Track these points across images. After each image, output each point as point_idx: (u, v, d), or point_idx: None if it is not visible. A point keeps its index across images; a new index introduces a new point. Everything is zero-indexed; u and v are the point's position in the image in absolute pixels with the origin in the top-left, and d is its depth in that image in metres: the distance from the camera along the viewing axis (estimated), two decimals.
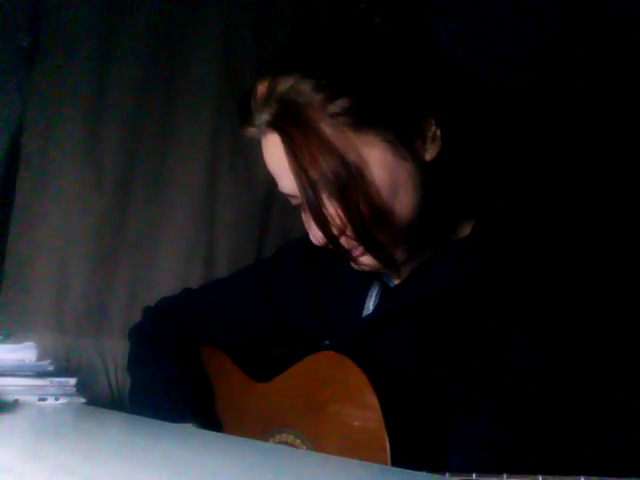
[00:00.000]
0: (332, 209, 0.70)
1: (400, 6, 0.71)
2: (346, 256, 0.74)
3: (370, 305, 0.80)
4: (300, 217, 0.77)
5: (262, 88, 0.71)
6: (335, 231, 0.70)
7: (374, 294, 0.80)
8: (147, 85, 1.24)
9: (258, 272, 0.96)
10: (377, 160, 0.69)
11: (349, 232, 0.70)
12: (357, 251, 0.73)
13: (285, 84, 0.69)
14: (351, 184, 0.68)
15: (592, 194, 1.22)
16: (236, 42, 1.33)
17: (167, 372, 0.92)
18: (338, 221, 0.70)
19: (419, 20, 0.72)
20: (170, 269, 1.25)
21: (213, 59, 1.30)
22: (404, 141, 0.69)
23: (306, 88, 0.68)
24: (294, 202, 0.75)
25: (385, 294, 0.80)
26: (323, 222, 0.70)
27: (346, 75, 0.68)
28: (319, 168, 0.67)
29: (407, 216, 0.71)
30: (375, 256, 0.71)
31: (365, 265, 0.74)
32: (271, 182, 0.76)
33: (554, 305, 0.68)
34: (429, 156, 0.71)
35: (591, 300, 0.67)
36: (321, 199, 0.69)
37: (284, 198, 0.76)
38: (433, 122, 0.70)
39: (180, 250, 1.27)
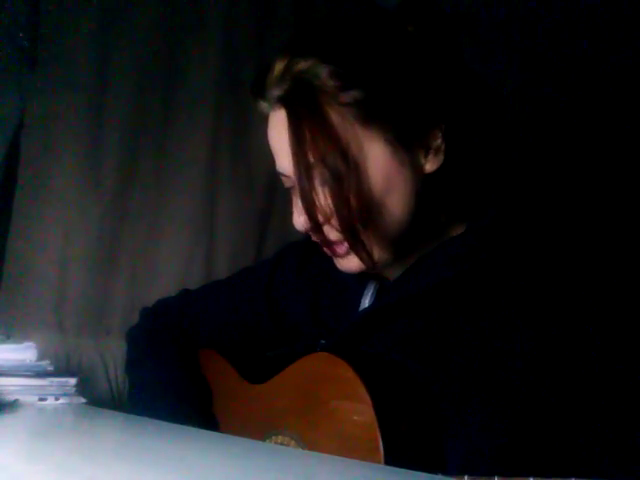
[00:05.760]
0: (322, 196, 0.70)
1: (437, 23, 0.72)
2: (329, 250, 0.74)
3: (366, 303, 0.80)
4: None
5: (280, 65, 0.72)
6: (320, 218, 0.71)
7: (370, 293, 0.80)
8: (147, 85, 1.24)
9: (257, 274, 0.96)
10: (376, 159, 0.69)
11: (334, 222, 0.70)
12: (340, 249, 0.73)
13: (303, 65, 0.70)
14: (346, 176, 0.68)
15: (588, 198, 1.22)
16: (236, 42, 1.32)
17: (165, 373, 0.92)
18: (325, 209, 0.70)
19: (452, 38, 0.73)
20: (170, 269, 1.25)
21: (213, 60, 1.30)
22: (406, 147, 0.70)
23: (322, 72, 0.69)
24: (287, 184, 0.76)
25: (381, 292, 0.80)
26: (310, 206, 0.70)
27: (363, 68, 0.69)
28: (318, 152, 0.68)
29: (395, 220, 0.71)
30: (356, 252, 0.71)
31: (348, 266, 0.74)
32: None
33: (549, 304, 0.68)
34: (429, 168, 0.72)
35: (587, 300, 0.67)
36: (313, 183, 0.70)
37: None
38: (440, 135, 0.71)
39: (180, 251, 1.27)
